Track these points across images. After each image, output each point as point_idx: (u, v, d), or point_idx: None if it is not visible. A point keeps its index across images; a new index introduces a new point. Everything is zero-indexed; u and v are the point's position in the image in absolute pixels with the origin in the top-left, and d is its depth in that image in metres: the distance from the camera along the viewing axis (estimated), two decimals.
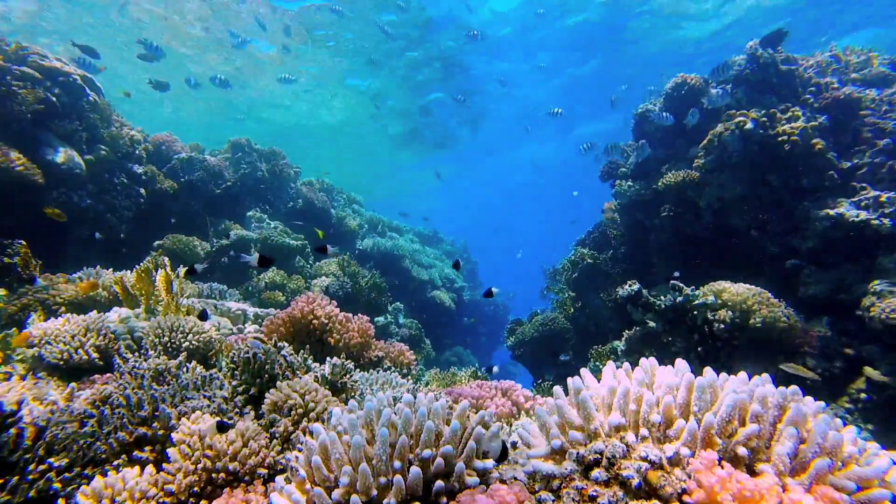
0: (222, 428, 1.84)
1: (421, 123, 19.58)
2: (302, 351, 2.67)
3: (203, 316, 3.19)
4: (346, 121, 19.26)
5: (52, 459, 1.83)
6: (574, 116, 18.40)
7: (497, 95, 16.90)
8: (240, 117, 19.09)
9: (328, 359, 2.55)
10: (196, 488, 1.78)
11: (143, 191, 7.21)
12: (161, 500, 1.76)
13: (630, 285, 4.83)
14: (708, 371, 1.52)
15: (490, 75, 15.50)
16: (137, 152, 7.35)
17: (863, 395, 4.20)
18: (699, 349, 4.37)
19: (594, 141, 6.79)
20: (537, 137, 20.09)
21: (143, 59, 8.81)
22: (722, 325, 4.20)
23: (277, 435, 2.06)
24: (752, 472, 1.28)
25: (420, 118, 19.04)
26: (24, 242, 4.46)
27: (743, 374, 1.52)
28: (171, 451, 1.87)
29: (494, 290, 3.34)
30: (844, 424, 1.39)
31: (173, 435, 1.93)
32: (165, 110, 18.19)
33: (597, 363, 5.55)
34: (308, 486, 1.46)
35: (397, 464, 1.40)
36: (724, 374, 1.54)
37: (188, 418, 2.02)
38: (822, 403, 1.44)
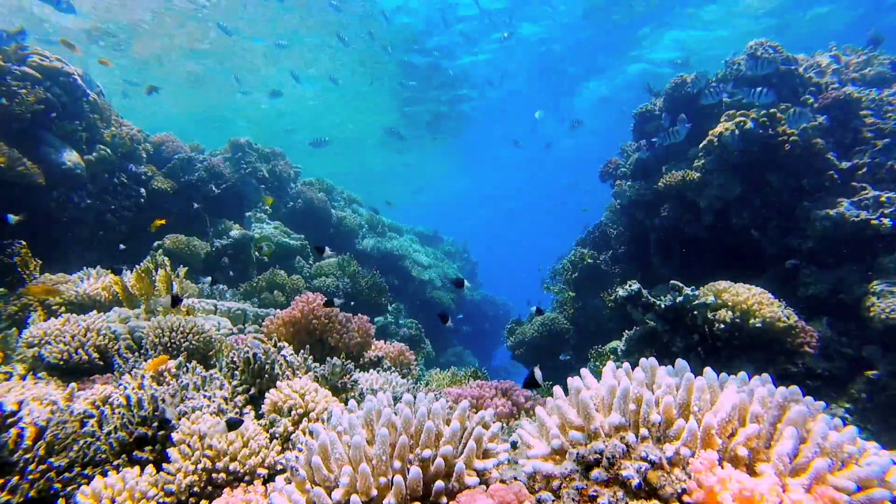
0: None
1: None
2: (302, 351, 2.67)
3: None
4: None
5: (52, 459, 1.83)
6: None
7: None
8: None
9: (328, 359, 2.55)
10: (196, 488, 1.78)
11: (143, 191, 7.21)
12: (161, 500, 1.76)
13: (630, 285, 4.82)
14: (708, 371, 1.52)
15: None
16: (137, 152, 7.34)
17: (863, 395, 4.20)
18: (699, 349, 4.36)
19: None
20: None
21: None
22: (722, 326, 4.20)
23: (277, 435, 2.06)
24: (752, 473, 1.28)
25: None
26: (24, 242, 4.46)
27: (743, 374, 1.52)
28: (171, 451, 1.87)
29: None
30: (844, 424, 1.39)
31: (173, 435, 1.93)
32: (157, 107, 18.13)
33: (597, 363, 5.54)
34: (308, 486, 1.46)
35: (397, 464, 1.40)
36: (724, 374, 1.54)
37: (188, 418, 2.02)
38: (822, 403, 1.44)
